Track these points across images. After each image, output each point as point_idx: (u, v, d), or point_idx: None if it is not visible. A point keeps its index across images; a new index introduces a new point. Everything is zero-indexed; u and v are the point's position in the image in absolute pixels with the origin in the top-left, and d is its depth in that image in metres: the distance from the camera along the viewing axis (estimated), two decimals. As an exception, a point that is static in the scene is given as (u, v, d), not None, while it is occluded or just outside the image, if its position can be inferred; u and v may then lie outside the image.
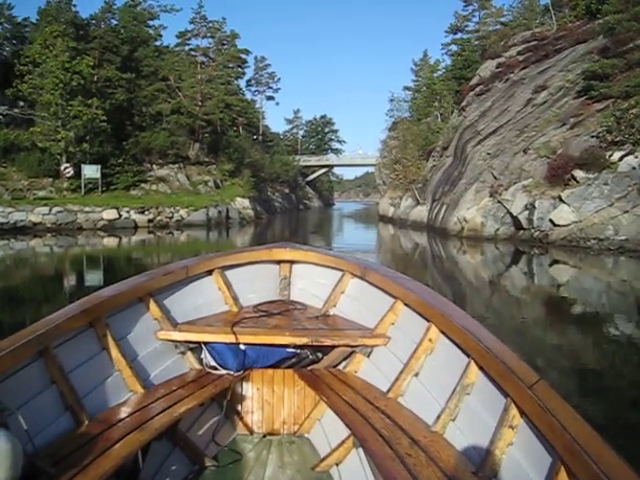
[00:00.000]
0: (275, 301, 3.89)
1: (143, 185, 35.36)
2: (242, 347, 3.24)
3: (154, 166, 37.15)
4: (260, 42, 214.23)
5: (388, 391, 2.87)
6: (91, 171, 32.58)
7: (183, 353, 3.29)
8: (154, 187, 35.68)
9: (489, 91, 30.75)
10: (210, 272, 3.66)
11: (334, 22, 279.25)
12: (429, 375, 2.72)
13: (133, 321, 3.03)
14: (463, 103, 33.04)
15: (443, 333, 2.67)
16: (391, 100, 52.67)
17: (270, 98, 78.43)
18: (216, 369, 3.24)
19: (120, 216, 29.99)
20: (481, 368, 2.31)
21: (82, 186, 32.01)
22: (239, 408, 3.41)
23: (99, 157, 33.39)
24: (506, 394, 2.07)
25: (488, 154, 24.03)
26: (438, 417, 2.45)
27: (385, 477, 2.10)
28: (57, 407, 2.38)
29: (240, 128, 58.24)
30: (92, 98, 32.53)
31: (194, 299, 3.51)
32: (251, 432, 3.38)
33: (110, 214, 29.66)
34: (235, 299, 3.72)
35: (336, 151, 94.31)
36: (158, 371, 3.05)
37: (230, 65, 51.89)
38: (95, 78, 35.85)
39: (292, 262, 3.98)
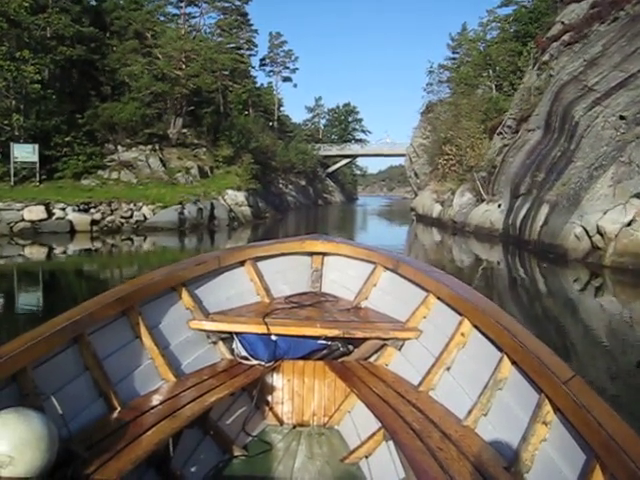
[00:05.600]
0: (307, 293, 3.86)
1: (100, 172, 26.05)
2: (273, 338, 3.22)
3: (119, 147, 27.73)
4: (282, 30, 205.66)
5: (419, 384, 2.85)
6: (25, 152, 23.79)
7: (215, 343, 3.29)
8: (115, 175, 26.26)
9: (586, 37, 21.55)
10: (242, 263, 3.65)
11: (360, 12, 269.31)
12: (461, 369, 2.69)
13: (166, 310, 3.05)
14: (545, 57, 23.21)
15: (476, 327, 2.64)
16: (430, 72, 43.77)
17: (287, 79, 70.10)
18: (247, 359, 3.22)
19: (50, 215, 20.89)
20: (514, 363, 2.25)
21: (11, 173, 23.24)
22: (269, 399, 3.42)
23: (40, 134, 24.40)
24: (540, 390, 2.02)
25: (622, 118, 14.20)
26: (470, 412, 2.41)
27: (415, 470, 2.09)
28: (91, 393, 2.40)
29: (250, 109, 48.85)
30: (23, 50, 23.33)
31: (226, 289, 3.50)
32: (281, 423, 3.38)
33: (34, 213, 20.57)
34: (267, 290, 3.71)
35: (360, 141, 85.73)
36: (190, 360, 3.06)
37: (224, 17, 41.51)
38: (48, 32, 26.90)
39: (324, 254, 3.94)
